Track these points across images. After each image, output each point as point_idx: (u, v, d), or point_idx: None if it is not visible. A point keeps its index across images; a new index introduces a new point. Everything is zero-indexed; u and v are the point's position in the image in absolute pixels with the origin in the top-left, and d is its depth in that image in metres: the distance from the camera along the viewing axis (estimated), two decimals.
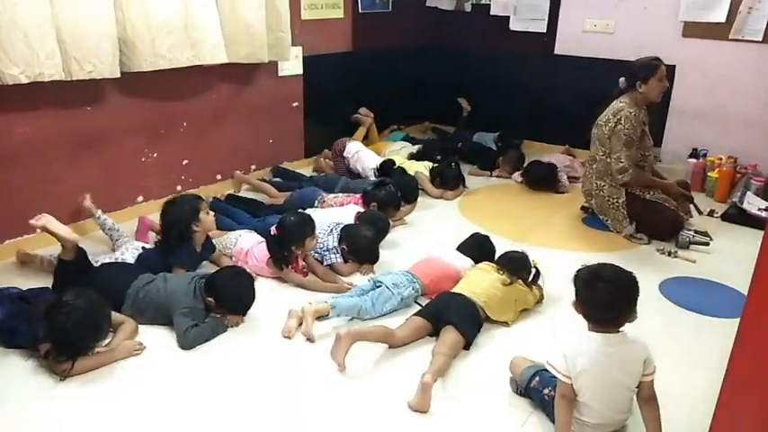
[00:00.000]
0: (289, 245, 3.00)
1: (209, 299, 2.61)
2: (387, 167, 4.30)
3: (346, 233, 3.20)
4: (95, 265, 2.87)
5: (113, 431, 2.06)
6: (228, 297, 2.62)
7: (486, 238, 3.21)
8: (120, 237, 3.20)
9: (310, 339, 2.54)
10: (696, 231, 3.71)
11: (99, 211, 3.29)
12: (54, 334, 2.24)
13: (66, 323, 2.21)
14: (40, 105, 3.18)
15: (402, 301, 2.80)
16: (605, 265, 2.01)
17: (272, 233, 3.03)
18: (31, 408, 2.14)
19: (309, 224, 3.05)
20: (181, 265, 2.91)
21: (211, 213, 3.05)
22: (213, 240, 3.19)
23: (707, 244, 3.61)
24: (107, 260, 2.95)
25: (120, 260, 2.94)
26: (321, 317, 2.61)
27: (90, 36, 3.11)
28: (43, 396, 2.20)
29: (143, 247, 3.03)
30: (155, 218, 3.43)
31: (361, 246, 3.19)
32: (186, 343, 2.48)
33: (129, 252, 3.00)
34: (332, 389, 2.29)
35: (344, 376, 2.34)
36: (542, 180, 4.61)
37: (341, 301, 2.67)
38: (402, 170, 4.33)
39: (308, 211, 3.59)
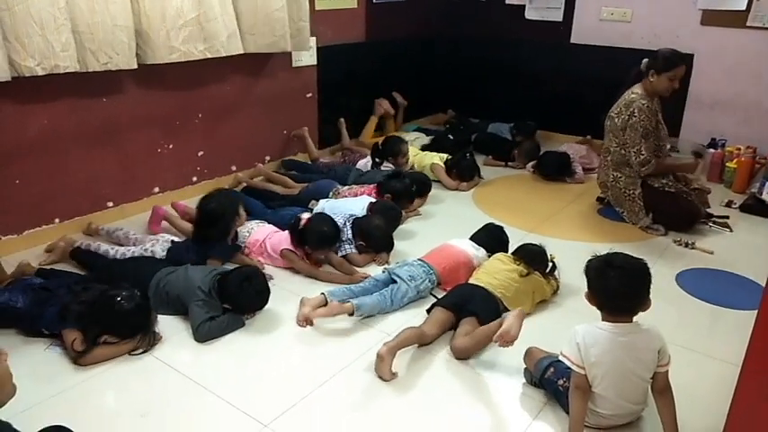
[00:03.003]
0: (305, 243, 3.03)
1: (225, 305, 2.62)
2: (389, 143, 4.34)
3: (358, 227, 3.21)
4: (117, 256, 2.97)
5: (129, 419, 2.09)
6: (239, 301, 2.63)
7: (500, 228, 3.20)
8: (128, 233, 3.25)
9: (310, 322, 2.56)
10: (715, 222, 3.70)
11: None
12: (107, 318, 2.32)
13: (123, 308, 2.33)
14: (56, 97, 3.21)
15: (419, 293, 2.81)
16: (616, 254, 2.00)
17: (300, 222, 3.05)
18: (51, 394, 2.17)
19: (334, 241, 3.07)
20: (217, 258, 2.97)
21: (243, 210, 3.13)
22: None
23: (727, 226, 3.64)
24: (132, 252, 2.99)
25: (149, 251, 2.97)
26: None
27: (106, 27, 3.13)
28: (61, 382, 2.23)
29: (172, 241, 3.06)
30: (168, 209, 3.48)
31: (376, 235, 3.19)
32: (200, 336, 2.50)
33: (159, 244, 3.01)
34: (344, 378, 2.31)
35: (356, 366, 2.35)
36: (554, 170, 4.59)
37: (363, 301, 2.65)
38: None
39: (322, 201, 3.61)
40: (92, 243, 3.11)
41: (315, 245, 3.03)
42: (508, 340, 2.19)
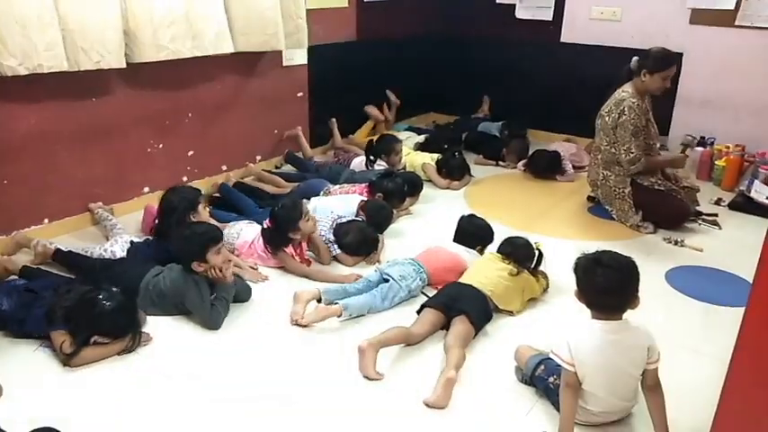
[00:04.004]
0: (285, 233, 3.01)
1: (200, 264, 2.56)
2: (383, 141, 4.37)
3: (335, 236, 3.19)
4: (86, 254, 2.97)
5: (119, 420, 2.08)
6: (191, 245, 2.58)
7: (471, 217, 3.19)
8: (114, 227, 3.24)
9: (300, 323, 2.55)
10: (704, 219, 3.73)
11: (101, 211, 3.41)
12: (91, 319, 2.29)
13: (106, 309, 2.30)
14: (45, 97, 3.19)
15: (410, 292, 2.81)
16: (604, 252, 2.00)
17: (265, 227, 3.05)
18: (40, 395, 2.16)
19: (297, 207, 3.03)
20: None
21: (207, 209, 3.10)
22: None
23: (716, 223, 3.68)
24: (91, 252, 2.98)
25: (109, 251, 2.96)
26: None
27: (97, 26, 3.11)
28: (52, 384, 2.22)
29: (131, 241, 3.03)
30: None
31: (350, 246, 3.17)
32: (214, 323, 2.55)
33: (117, 245, 3.00)
34: (333, 377, 2.30)
35: (346, 365, 2.34)
36: (545, 168, 4.61)
37: (351, 301, 2.65)
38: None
39: (314, 199, 3.61)
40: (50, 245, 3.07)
41: (290, 223, 2.99)
42: (436, 408, 2.15)
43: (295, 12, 4.07)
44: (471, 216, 3.22)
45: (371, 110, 5.15)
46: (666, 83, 3.58)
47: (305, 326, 2.58)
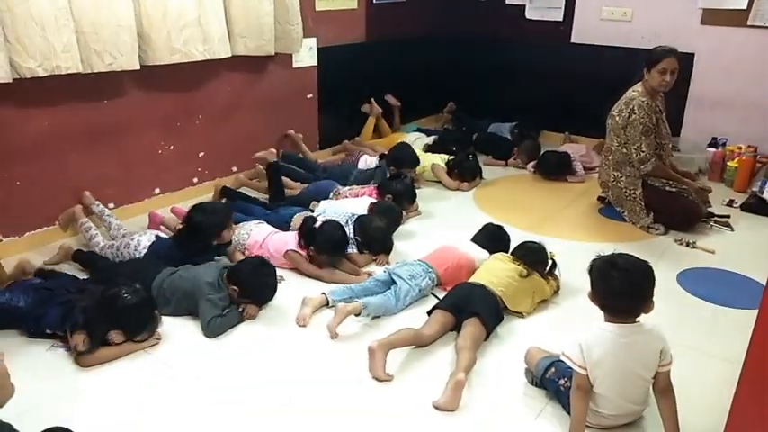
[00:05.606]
0: (314, 244, 3.02)
1: (233, 287, 2.64)
2: (398, 153, 4.31)
3: (359, 224, 3.21)
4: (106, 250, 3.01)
5: (130, 420, 2.09)
6: (253, 287, 2.66)
7: (500, 228, 3.20)
8: (120, 227, 3.24)
9: (332, 336, 2.53)
10: (716, 221, 3.70)
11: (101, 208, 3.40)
12: (113, 314, 2.33)
13: (129, 302, 2.34)
14: (57, 98, 3.21)
15: (420, 291, 2.81)
16: (620, 255, 1.99)
17: (315, 226, 3.06)
18: (51, 395, 2.18)
19: (343, 249, 3.09)
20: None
21: (233, 228, 3.09)
22: None
23: (728, 225, 3.65)
24: (121, 242, 3.00)
25: (136, 241, 2.97)
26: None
27: (110, 28, 3.14)
28: (63, 383, 2.24)
29: (156, 236, 3.05)
30: (164, 213, 3.48)
31: (374, 236, 3.19)
32: (210, 332, 2.53)
33: (146, 236, 3.02)
34: (343, 378, 2.31)
35: (356, 365, 2.34)
36: (554, 170, 4.59)
37: (371, 300, 2.66)
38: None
39: (323, 202, 3.61)
40: (91, 230, 3.13)
41: (325, 250, 3.03)
42: (445, 410, 2.14)
43: (284, 17, 4.05)
44: (500, 228, 3.20)
45: (369, 107, 5.14)
46: (665, 77, 3.50)
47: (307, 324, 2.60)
